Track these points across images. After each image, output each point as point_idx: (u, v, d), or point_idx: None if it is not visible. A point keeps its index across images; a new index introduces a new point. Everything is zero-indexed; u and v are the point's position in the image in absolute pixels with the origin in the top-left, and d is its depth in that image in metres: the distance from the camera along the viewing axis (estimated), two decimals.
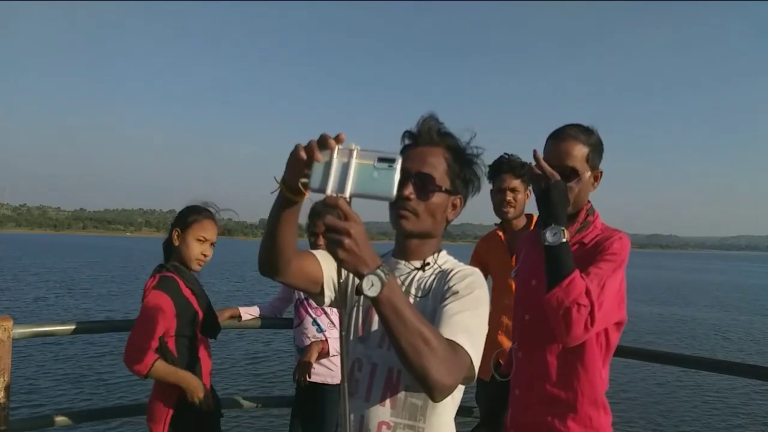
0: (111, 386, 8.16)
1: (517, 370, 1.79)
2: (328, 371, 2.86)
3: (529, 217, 2.86)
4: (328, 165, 0.93)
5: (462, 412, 1.48)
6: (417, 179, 1.24)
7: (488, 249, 2.95)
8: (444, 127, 1.30)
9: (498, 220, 2.93)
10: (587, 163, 1.67)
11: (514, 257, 2.78)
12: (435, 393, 0.99)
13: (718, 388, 9.25)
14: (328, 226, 0.89)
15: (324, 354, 2.82)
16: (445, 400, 1.11)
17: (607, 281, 1.55)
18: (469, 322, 1.11)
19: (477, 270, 1.29)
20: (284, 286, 3.07)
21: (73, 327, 2.56)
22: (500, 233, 2.89)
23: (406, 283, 1.28)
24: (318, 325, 2.89)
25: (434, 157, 1.26)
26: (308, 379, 2.84)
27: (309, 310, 2.92)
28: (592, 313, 1.49)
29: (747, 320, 19.40)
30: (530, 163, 1.65)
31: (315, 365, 2.84)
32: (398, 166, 0.93)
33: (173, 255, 2.27)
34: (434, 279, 1.27)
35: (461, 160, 1.29)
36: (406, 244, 1.30)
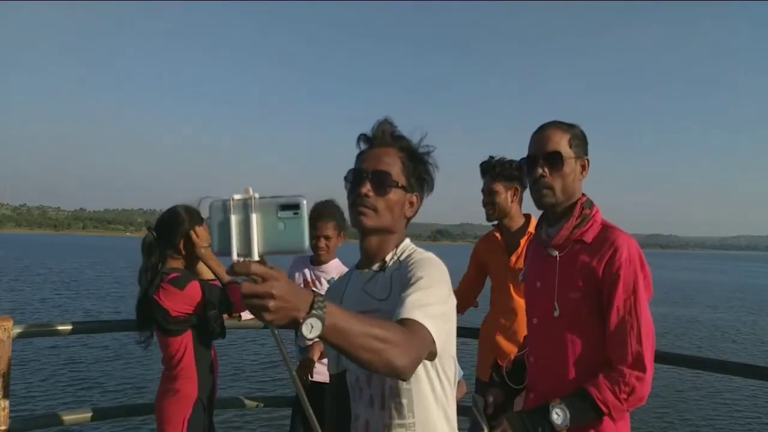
0: (111, 386, 8.16)
1: (530, 375, 1.79)
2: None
3: (527, 217, 2.85)
4: (226, 223, 0.82)
5: (461, 411, 1.48)
6: (374, 177, 1.28)
7: (486, 249, 2.95)
8: (397, 130, 1.35)
9: (495, 223, 2.93)
10: (570, 149, 1.66)
11: (511, 257, 2.79)
12: (401, 377, 1.02)
13: (720, 389, 9.26)
14: (246, 295, 0.81)
15: (325, 353, 2.83)
16: (426, 396, 1.24)
17: (640, 308, 1.55)
18: (424, 299, 1.13)
19: (431, 254, 1.32)
20: None
21: (72, 327, 2.56)
22: (497, 234, 2.89)
23: (368, 290, 1.32)
24: None
25: (389, 157, 1.31)
26: (310, 378, 2.85)
27: None
28: (636, 365, 1.52)
29: (751, 320, 19.39)
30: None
31: (317, 364, 2.85)
32: (304, 211, 0.83)
33: (187, 250, 2.28)
34: (394, 277, 1.29)
35: (414, 159, 1.35)
36: (368, 241, 1.34)
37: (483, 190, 2.82)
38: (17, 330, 2.29)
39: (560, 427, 1.49)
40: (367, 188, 1.27)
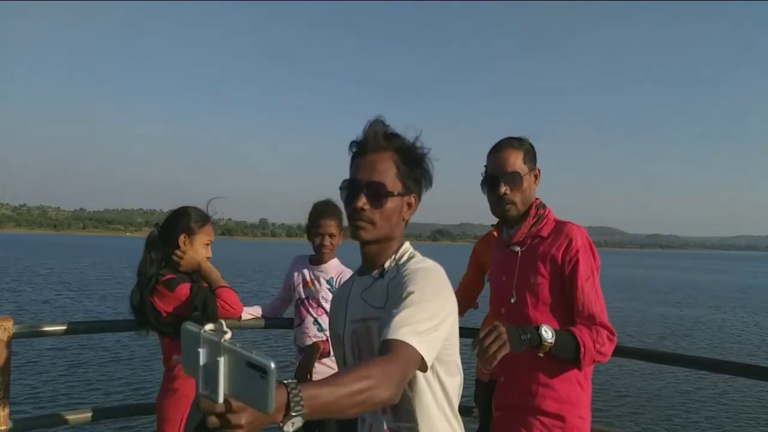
0: (112, 386, 8.17)
1: (500, 361, 1.87)
2: (329, 370, 2.86)
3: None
4: (195, 354, 0.79)
5: (462, 412, 1.49)
6: (368, 189, 1.27)
7: (485, 249, 2.95)
8: (390, 130, 1.31)
9: (495, 221, 2.92)
10: (525, 165, 1.94)
11: None
12: (390, 403, 1.04)
13: (724, 390, 9.26)
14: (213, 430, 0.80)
15: (325, 354, 2.83)
16: (427, 402, 1.25)
17: (595, 291, 1.84)
18: (411, 317, 1.13)
19: (428, 263, 1.30)
20: (284, 286, 3.09)
21: (73, 327, 2.56)
22: (496, 234, 2.89)
23: (366, 297, 1.32)
24: (319, 324, 2.90)
25: (383, 163, 1.28)
26: (311, 379, 2.85)
27: (310, 310, 2.93)
28: (606, 329, 1.79)
29: (754, 321, 19.37)
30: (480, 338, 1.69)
31: (316, 365, 2.85)
32: (272, 379, 0.75)
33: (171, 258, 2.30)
34: (391, 286, 1.28)
35: (410, 160, 1.32)
36: (367, 250, 1.34)
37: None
38: (17, 330, 2.29)
39: (546, 341, 1.68)
40: (362, 202, 1.26)
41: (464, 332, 2.86)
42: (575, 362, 1.77)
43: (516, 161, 1.93)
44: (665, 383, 9.40)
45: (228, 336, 0.79)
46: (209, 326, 0.80)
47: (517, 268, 1.93)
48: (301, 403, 0.86)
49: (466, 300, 2.98)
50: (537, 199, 1.99)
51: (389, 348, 1.08)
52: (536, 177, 1.99)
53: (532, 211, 1.96)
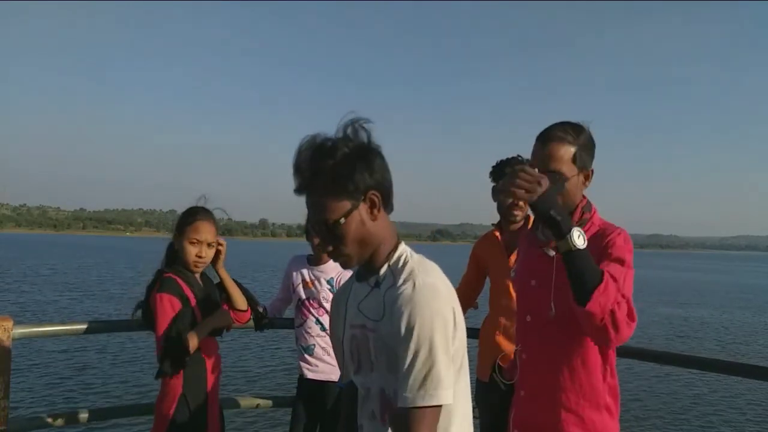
0: (111, 386, 8.17)
1: (521, 372, 1.80)
2: (331, 368, 2.86)
3: (526, 217, 2.85)
4: None
5: None
6: (320, 230, 1.20)
7: (485, 249, 2.95)
8: (315, 159, 1.15)
9: (495, 220, 2.92)
10: (574, 164, 1.64)
11: (511, 257, 2.78)
12: None
13: (739, 392, 9.23)
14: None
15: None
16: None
17: (627, 275, 1.55)
18: (422, 373, 1.08)
19: (421, 285, 1.13)
20: (283, 287, 3.08)
21: (73, 327, 2.55)
22: (497, 233, 2.89)
23: (363, 308, 1.24)
24: (321, 324, 2.90)
25: (321, 198, 1.16)
26: (308, 375, 2.87)
27: (311, 310, 2.93)
28: (629, 306, 1.50)
29: (758, 321, 19.33)
30: (516, 171, 1.48)
31: (318, 363, 2.86)
32: None
33: (177, 258, 2.32)
34: (387, 298, 1.18)
35: (340, 176, 1.14)
36: (361, 266, 1.29)
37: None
38: (17, 330, 2.29)
39: (573, 244, 1.44)
40: (324, 243, 1.22)
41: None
42: (582, 295, 1.47)
43: (563, 158, 1.62)
44: (674, 386, 9.37)
45: None
46: None
47: (554, 275, 1.65)
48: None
49: (465, 300, 2.97)
50: (584, 198, 1.72)
51: (409, 422, 1.07)
52: (587, 178, 1.70)
53: (577, 214, 1.68)
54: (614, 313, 1.47)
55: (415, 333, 1.09)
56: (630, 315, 1.51)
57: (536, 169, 1.51)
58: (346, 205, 1.16)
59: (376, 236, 1.22)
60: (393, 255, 1.23)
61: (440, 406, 1.09)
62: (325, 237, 1.20)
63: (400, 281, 1.17)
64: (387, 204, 1.23)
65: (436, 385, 1.08)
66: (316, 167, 1.15)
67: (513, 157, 2.79)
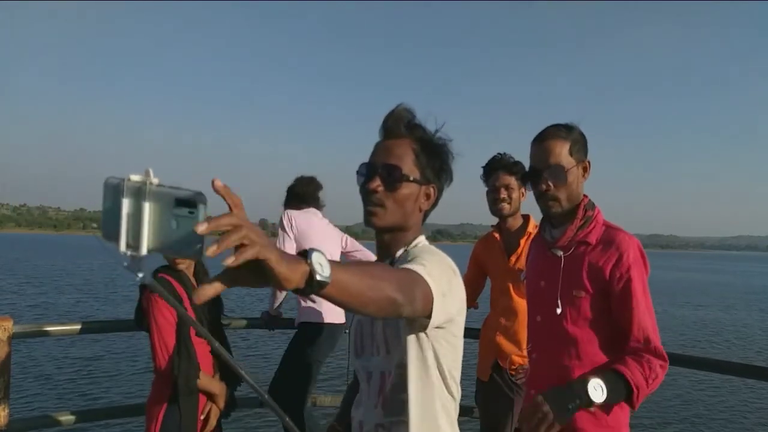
0: (111, 386, 8.16)
1: (532, 371, 1.83)
2: (313, 310, 3.20)
3: (526, 217, 2.85)
4: (116, 207, 0.68)
5: (462, 411, 1.48)
6: (383, 171, 1.22)
7: (485, 250, 2.95)
8: (412, 119, 1.27)
9: (495, 221, 2.92)
10: (572, 156, 1.72)
11: (511, 258, 2.78)
12: (398, 310, 0.95)
13: (731, 391, 9.24)
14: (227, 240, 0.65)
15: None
16: (431, 395, 1.18)
17: (650, 304, 1.64)
18: (421, 264, 1.07)
19: (427, 245, 1.26)
20: None
21: (73, 327, 2.56)
22: (496, 234, 2.88)
23: None
24: None
25: (400, 149, 1.24)
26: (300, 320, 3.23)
27: None
28: (658, 357, 1.59)
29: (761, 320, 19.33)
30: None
31: (303, 304, 3.17)
32: (201, 213, 0.67)
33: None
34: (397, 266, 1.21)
35: (429, 150, 1.26)
36: (380, 240, 1.30)
37: (496, 186, 2.75)
38: (17, 330, 2.29)
39: (598, 404, 1.50)
40: (376, 184, 1.22)
41: (464, 332, 2.88)
42: (627, 403, 1.59)
43: (561, 152, 1.71)
44: (678, 386, 9.37)
45: (156, 181, 0.68)
46: (134, 176, 0.68)
47: (561, 276, 1.72)
48: (327, 270, 0.75)
49: (466, 300, 2.97)
50: (585, 197, 1.78)
51: (404, 269, 1.03)
52: (585, 170, 1.77)
53: (580, 212, 1.74)
54: (655, 381, 1.58)
55: (423, 256, 1.13)
56: (662, 365, 1.59)
57: (527, 408, 1.53)
58: (418, 175, 1.25)
59: (412, 218, 1.27)
60: (413, 242, 1.29)
61: (427, 284, 1.03)
62: (383, 178, 1.23)
63: (416, 250, 1.24)
64: (433, 205, 1.31)
65: (432, 276, 1.05)
66: (427, 136, 1.27)
67: (493, 156, 2.79)
